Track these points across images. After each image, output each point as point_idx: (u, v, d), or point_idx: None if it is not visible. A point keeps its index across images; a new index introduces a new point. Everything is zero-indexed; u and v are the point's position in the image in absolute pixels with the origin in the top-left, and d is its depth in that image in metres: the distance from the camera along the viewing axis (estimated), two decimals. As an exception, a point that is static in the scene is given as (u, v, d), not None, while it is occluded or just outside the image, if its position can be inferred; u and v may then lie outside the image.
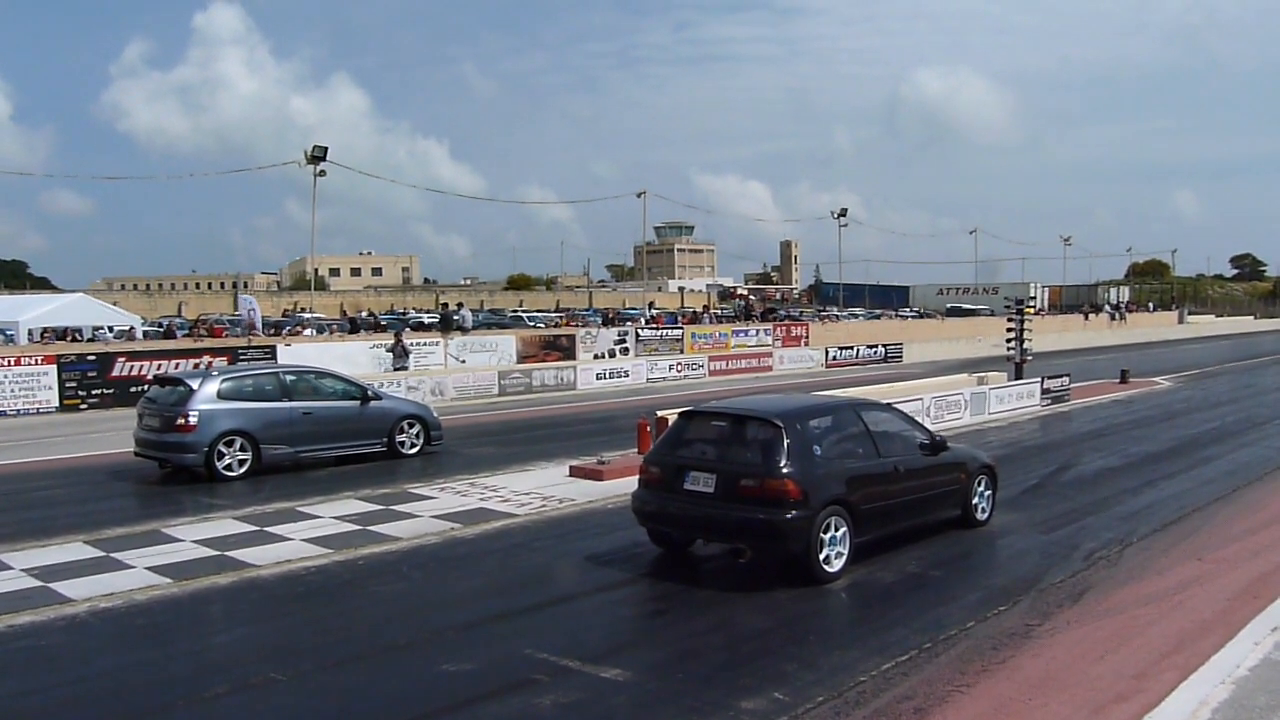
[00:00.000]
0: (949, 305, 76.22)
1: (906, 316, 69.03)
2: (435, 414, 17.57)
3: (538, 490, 13.27)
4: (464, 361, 30.90)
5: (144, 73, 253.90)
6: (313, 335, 35.29)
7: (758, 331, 42.38)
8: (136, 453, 15.09)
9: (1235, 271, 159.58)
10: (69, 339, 30.77)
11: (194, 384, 14.65)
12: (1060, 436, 19.21)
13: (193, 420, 14.22)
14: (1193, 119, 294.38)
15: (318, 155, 39.56)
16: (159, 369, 25.29)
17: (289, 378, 15.75)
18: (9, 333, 31.41)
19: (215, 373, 15.62)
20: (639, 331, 37.99)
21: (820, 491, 8.73)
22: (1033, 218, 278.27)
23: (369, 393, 16.43)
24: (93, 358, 25.01)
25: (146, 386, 24.82)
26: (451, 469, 15.25)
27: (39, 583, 8.98)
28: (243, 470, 14.50)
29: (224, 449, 14.38)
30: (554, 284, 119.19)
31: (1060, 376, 24.37)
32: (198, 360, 25.78)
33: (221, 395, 14.62)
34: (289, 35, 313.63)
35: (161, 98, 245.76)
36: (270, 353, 27.23)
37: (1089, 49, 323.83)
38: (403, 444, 16.43)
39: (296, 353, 27.27)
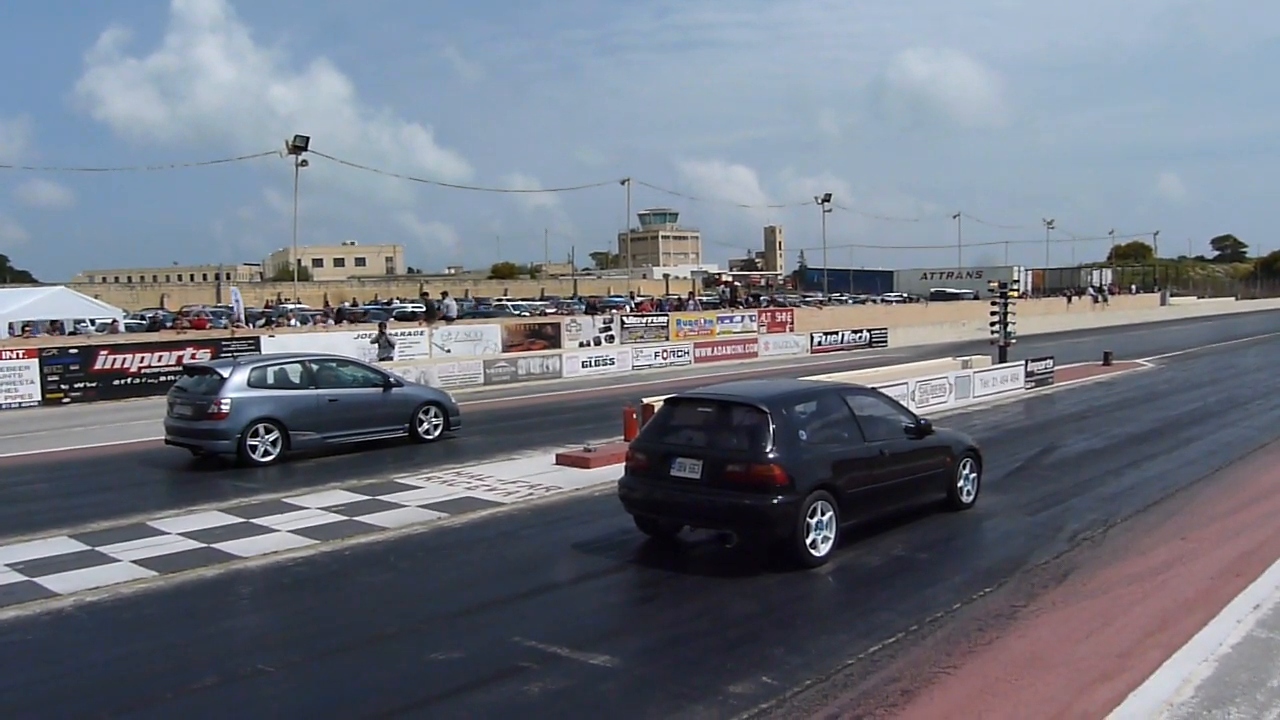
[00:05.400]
0: (933, 289, 76.46)
1: (891, 301, 69.22)
2: (454, 400, 17.78)
3: (524, 479, 13.26)
4: (449, 351, 30.82)
5: (121, 60, 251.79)
6: (297, 326, 35.15)
7: (743, 318, 42.42)
8: (168, 440, 15.32)
9: (1216, 253, 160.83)
10: (54, 329, 30.56)
11: (225, 372, 14.92)
12: (1044, 419, 19.31)
13: (225, 408, 14.48)
14: (1178, 101, 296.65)
15: (299, 145, 39.26)
16: (142, 362, 25.20)
17: (314, 366, 16.02)
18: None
19: (244, 361, 15.90)
20: (624, 319, 37.98)
21: (806, 476, 8.76)
22: (1017, 201, 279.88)
23: (391, 380, 16.71)
24: (75, 351, 24.86)
25: (129, 379, 24.87)
26: (438, 458, 15.22)
27: (23, 577, 8.92)
28: (273, 456, 14.77)
29: (255, 436, 14.62)
30: (539, 272, 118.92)
31: (1044, 359, 24.51)
32: (180, 353, 25.65)
33: (251, 383, 14.90)
34: (269, 21, 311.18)
35: (139, 86, 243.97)
36: (254, 344, 27.10)
37: (1075, 32, 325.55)
38: (424, 430, 16.70)
39: (280, 343, 27.13)
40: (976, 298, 60.52)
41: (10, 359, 23.63)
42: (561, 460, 14.25)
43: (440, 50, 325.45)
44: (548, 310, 51.28)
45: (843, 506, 9.07)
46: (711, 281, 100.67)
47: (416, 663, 6.83)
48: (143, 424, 19.41)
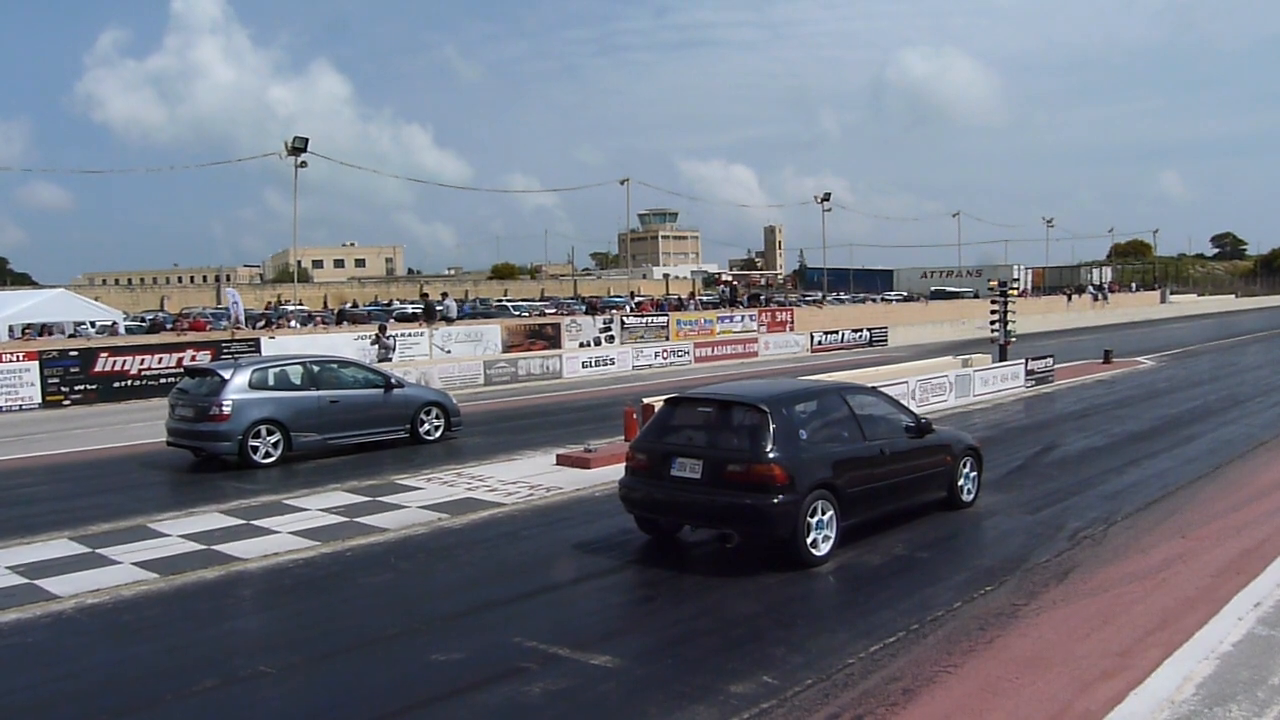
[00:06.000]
0: (933, 288, 76.46)
1: (891, 300, 69.21)
2: (454, 401, 17.81)
3: (525, 479, 13.26)
4: (449, 351, 30.82)
5: (120, 62, 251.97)
6: (297, 327, 35.15)
7: (743, 317, 42.43)
8: (170, 442, 15.32)
9: (1216, 251, 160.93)
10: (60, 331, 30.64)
11: (226, 374, 14.92)
12: (1044, 417, 19.30)
13: (226, 410, 14.49)
14: (1178, 99, 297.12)
15: (299, 147, 39.21)
16: (142, 364, 25.20)
17: (315, 367, 16.04)
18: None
19: (246, 363, 15.90)
20: (624, 319, 37.98)
21: (806, 476, 8.75)
22: (1017, 200, 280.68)
23: (392, 381, 16.74)
24: (75, 354, 24.83)
25: (130, 382, 24.87)
26: (438, 459, 15.22)
27: (25, 580, 8.92)
28: (274, 458, 14.79)
29: (257, 437, 14.64)
30: (538, 273, 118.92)
31: (1044, 358, 24.50)
32: (181, 355, 25.64)
33: (252, 385, 14.93)
34: (268, 22, 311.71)
35: (139, 87, 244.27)
36: (254, 346, 27.11)
37: (1075, 30, 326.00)
38: (425, 430, 16.75)
39: (280, 345, 27.15)
40: (976, 296, 60.54)
41: (10, 361, 23.62)
42: (562, 461, 14.25)
43: (440, 50, 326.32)
44: (548, 311, 51.29)
45: (843, 506, 9.07)
46: (711, 281, 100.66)
47: (417, 664, 6.83)
48: (143, 426, 19.45)
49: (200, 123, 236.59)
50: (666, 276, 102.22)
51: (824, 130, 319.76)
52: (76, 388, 24.34)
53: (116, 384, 24.83)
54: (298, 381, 15.50)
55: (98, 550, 9.93)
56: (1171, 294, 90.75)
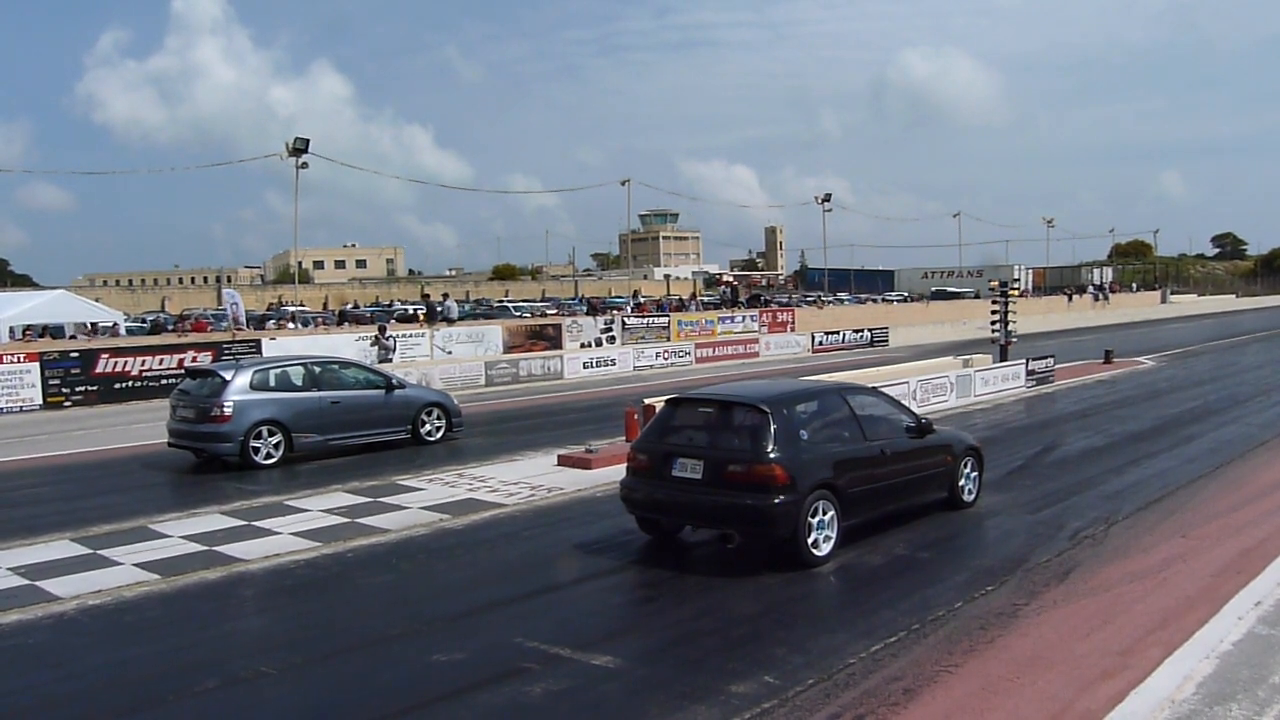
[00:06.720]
0: (934, 289, 76.43)
1: (892, 300, 69.21)
2: (455, 401, 17.81)
3: (526, 480, 13.26)
4: (450, 352, 30.82)
5: (120, 62, 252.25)
6: (297, 328, 35.17)
7: (744, 318, 42.43)
8: (171, 443, 15.31)
9: (1217, 251, 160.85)
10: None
11: (227, 375, 14.92)
12: (1045, 417, 19.30)
13: (228, 410, 14.49)
14: (1179, 99, 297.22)
15: (299, 148, 39.21)
16: (143, 365, 25.22)
17: (316, 368, 16.04)
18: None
19: (247, 364, 15.88)
20: (625, 320, 37.99)
21: (807, 476, 8.76)
22: (1017, 200, 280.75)
23: (393, 382, 16.76)
24: (76, 355, 24.84)
25: (131, 383, 24.89)
26: (439, 460, 15.23)
27: (26, 581, 8.93)
28: (275, 459, 14.79)
29: (258, 438, 14.64)
30: (539, 273, 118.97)
31: (1045, 358, 24.49)
32: (182, 356, 25.65)
33: (254, 386, 14.94)
34: (269, 22, 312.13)
35: (139, 88, 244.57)
36: (255, 347, 27.11)
37: (1075, 30, 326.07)
38: (427, 431, 16.75)
39: (281, 346, 27.15)
40: (977, 297, 60.53)
41: (11, 363, 23.62)
42: (563, 461, 14.25)
43: (440, 50, 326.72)
44: (549, 311, 51.30)
45: (844, 506, 9.07)
46: (712, 282, 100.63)
47: (418, 664, 6.84)
48: (144, 427, 19.45)
49: (201, 123, 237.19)
50: (667, 277, 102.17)
51: (824, 130, 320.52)
52: (77, 389, 24.34)
53: (118, 385, 24.84)
54: (299, 382, 15.51)
55: (99, 551, 9.93)
56: (1172, 294, 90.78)
